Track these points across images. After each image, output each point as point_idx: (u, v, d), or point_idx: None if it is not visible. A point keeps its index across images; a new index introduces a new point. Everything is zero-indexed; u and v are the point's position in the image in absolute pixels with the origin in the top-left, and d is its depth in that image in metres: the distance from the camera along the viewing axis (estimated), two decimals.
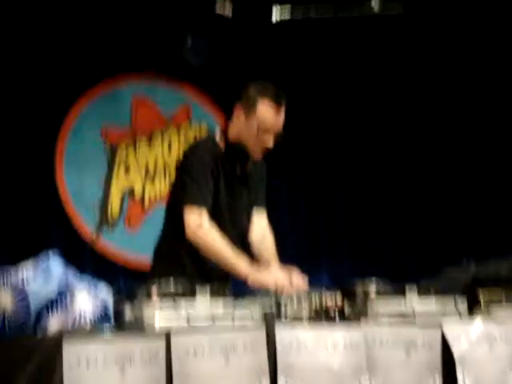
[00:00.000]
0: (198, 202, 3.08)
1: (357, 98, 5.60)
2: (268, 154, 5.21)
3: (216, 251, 3.04)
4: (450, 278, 3.11)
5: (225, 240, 3.06)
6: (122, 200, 4.90)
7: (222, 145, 3.21)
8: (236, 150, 3.15)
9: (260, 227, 3.39)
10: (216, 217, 3.12)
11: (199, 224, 3.04)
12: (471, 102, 5.65)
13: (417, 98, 5.71)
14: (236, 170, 3.21)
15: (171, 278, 2.56)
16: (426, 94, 5.68)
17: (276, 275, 2.94)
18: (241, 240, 3.23)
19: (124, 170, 4.94)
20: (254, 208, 3.37)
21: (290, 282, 2.88)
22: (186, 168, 3.15)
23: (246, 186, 3.30)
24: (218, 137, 3.25)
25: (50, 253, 2.56)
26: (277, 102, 3.08)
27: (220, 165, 3.17)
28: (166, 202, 3.38)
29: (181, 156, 3.29)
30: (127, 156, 4.96)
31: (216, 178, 3.15)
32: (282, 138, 3.16)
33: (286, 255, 5.18)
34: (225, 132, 3.22)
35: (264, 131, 3.10)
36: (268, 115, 3.09)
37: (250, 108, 3.10)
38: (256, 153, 3.18)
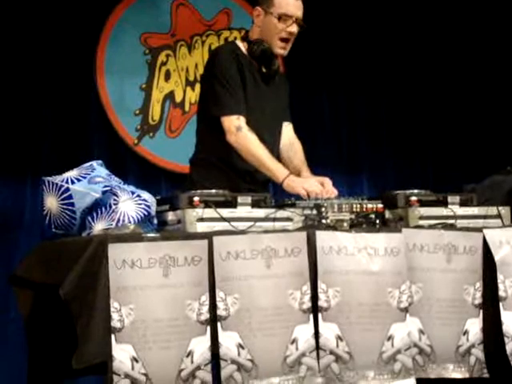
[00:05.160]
0: (233, 110, 3.10)
1: (398, 12, 5.46)
2: (309, 62, 5.21)
3: (255, 154, 3.07)
4: (494, 185, 3.08)
5: (262, 144, 3.09)
6: (163, 105, 4.90)
7: (244, 48, 3.23)
8: (259, 46, 3.17)
9: (287, 135, 3.40)
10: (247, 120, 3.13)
11: (238, 127, 3.08)
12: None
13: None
14: (261, 68, 3.23)
15: (213, 188, 2.60)
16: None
17: (309, 182, 2.97)
18: (271, 143, 3.24)
19: (164, 75, 4.91)
20: (282, 122, 3.38)
21: (322, 191, 2.89)
22: (215, 76, 3.15)
23: (274, 87, 3.30)
24: (238, 42, 3.28)
25: (94, 161, 2.59)
26: None
27: (245, 67, 3.19)
28: (196, 112, 3.38)
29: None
30: (167, 61, 4.93)
31: (243, 80, 3.16)
32: (305, 28, 3.20)
33: (328, 167, 5.20)
34: (246, 36, 3.26)
35: (285, 18, 3.15)
36: (286, 1, 3.15)
37: (268, 2, 3.16)
38: (280, 45, 3.18)
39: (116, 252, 2.22)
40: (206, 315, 2.29)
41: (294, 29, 3.17)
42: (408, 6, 5.49)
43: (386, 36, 5.46)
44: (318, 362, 2.39)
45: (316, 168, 3.37)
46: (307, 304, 2.41)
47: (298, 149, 3.40)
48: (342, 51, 5.33)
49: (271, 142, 3.22)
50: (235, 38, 3.32)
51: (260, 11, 3.19)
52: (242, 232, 2.43)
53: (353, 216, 2.66)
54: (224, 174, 3.18)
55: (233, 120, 3.09)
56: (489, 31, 5.59)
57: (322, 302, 2.42)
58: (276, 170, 3.05)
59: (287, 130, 3.41)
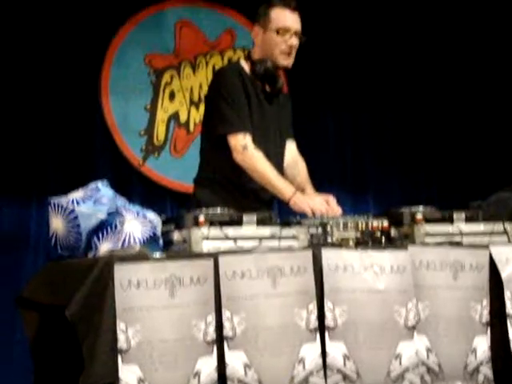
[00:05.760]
0: (240, 128, 3.12)
1: (403, 29, 5.48)
2: (312, 80, 5.23)
3: (262, 173, 3.08)
4: (500, 202, 3.07)
5: (268, 162, 3.10)
6: (168, 126, 4.92)
7: (247, 68, 3.24)
8: (262, 65, 3.19)
9: (291, 153, 3.42)
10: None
11: (244, 146, 3.09)
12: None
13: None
14: (265, 87, 3.24)
15: (218, 207, 2.59)
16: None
17: (315, 201, 2.97)
18: (276, 162, 3.24)
19: (169, 95, 4.94)
20: (286, 140, 3.39)
21: (327, 209, 2.89)
22: (221, 95, 3.16)
23: (277, 106, 3.32)
24: (242, 62, 3.29)
25: (99, 181, 2.59)
26: (288, 5, 3.18)
27: (249, 86, 3.20)
28: (200, 131, 3.39)
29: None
30: (172, 81, 4.96)
31: (248, 99, 3.18)
32: (305, 40, 3.22)
33: (334, 185, 5.20)
34: (248, 56, 3.27)
35: (284, 31, 3.17)
36: (283, 15, 3.18)
37: (265, 19, 3.19)
38: (283, 57, 3.20)
39: (122, 273, 2.22)
40: (212, 335, 2.29)
41: (294, 41, 3.19)
42: (413, 22, 5.51)
43: (390, 53, 5.48)
44: (326, 382, 2.38)
45: (321, 186, 3.39)
46: (314, 323, 2.40)
47: (302, 167, 3.41)
48: (347, 69, 5.35)
49: (275, 161, 3.22)
50: (239, 58, 3.34)
51: (258, 30, 3.23)
52: (248, 251, 2.42)
53: (358, 234, 2.66)
54: (228, 192, 3.18)
55: (239, 138, 3.10)
56: (496, 43, 5.59)
57: (328, 321, 2.41)
58: (283, 188, 3.05)
59: (291, 148, 3.42)
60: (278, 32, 3.17)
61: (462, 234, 2.71)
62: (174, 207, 4.74)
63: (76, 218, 2.41)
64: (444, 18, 5.57)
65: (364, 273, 2.49)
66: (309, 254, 2.45)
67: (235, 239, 2.46)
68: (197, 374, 2.25)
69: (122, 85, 4.79)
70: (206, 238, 2.44)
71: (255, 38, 3.25)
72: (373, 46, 5.42)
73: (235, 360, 2.29)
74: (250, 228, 2.52)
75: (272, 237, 2.51)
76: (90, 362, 2.18)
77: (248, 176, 3.12)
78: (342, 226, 2.65)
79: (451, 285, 2.57)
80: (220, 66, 4.88)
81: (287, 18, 3.19)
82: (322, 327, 2.41)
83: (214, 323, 2.29)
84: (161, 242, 2.50)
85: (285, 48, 3.18)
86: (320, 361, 2.38)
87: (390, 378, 2.44)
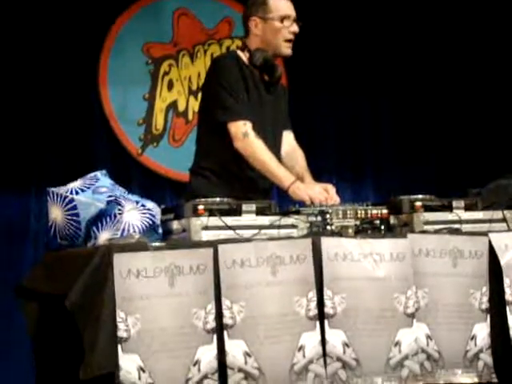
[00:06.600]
0: (240, 116, 3.11)
1: (398, 9, 5.46)
2: (311, 68, 5.22)
3: (262, 161, 3.07)
4: (499, 189, 3.08)
5: (268, 150, 3.09)
6: (166, 115, 4.91)
7: (245, 58, 3.24)
8: (261, 54, 3.19)
9: (289, 143, 3.42)
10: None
11: (245, 133, 3.08)
12: None
13: None
14: (263, 76, 3.24)
15: (217, 197, 2.59)
16: None
17: (314, 189, 2.97)
18: (273, 151, 3.21)
19: (167, 84, 4.93)
20: (283, 131, 3.40)
21: (326, 198, 2.89)
22: (219, 83, 3.15)
23: (275, 96, 3.32)
24: (239, 52, 3.29)
25: (98, 171, 2.59)
26: None
27: (247, 75, 3.20)
28: (198, 120, 3.38)
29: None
30: (170, 71, 4.95)
31: (246, 88, 3.18)
32: (301, 26, 3.25)
33: (331, 171, 5.21)
34: (244, 47, 3.27)
35: (285, 19, 3.21)
36: (282, 3, 3.23)
37: (264, 9, 3.21)
38: (287, 45, 3.22)
39: (121, 262, 2.22)
40: (212, 324, 2.29)
41: (296, 28, 3.22)
42: (414, 14, 5.50)
43: (388, 39, 5.47)
44: (326, 369, 2.38)
45: (320, 175, 3.41)
46: (313, 311, 2.40)
47: (300, 156, 3.40)
48: (344, 57, 5.33)
49: (273, 150, 3.22)
50: (237, 46, 3.35)
51: (257, 20, 3.22)
52: (247, 240, 2.43)
53: (358, 222, 2.66)
54: (225, 182, 3.18)
55: (240, 126, 3.09)
56: (493, 36, 5.59)
57: (328, 309, 2.41)
58: (283, 176, 3.05)
59: (289, 138, 3.42)
60: (281, 20, 3.19)
61: (461, 221, 2.71)
62: (173, 196, 4.74)
63: (75, 207, 2.41)
64: (441, 7, 5.55)
65: (363, 261, 2.49)
66: (308, 242, 2.45)
67: (234, 228, 2.46)
68: (197, 363, 2.26)
69: (120, 74, 4.79)
70: (206, 227, 2.44)
71: (254, 29, 3.23)
72: (370, 31, 5.40)
73: (235, 348, 2.30)
74: (249, 217, 2.52)
75: (271, 226, 2.52)
76: (90, 352, 2.18)
77: (247, 164, 3.12)
78: (341, 214, 2.65)
79: (451, 272, 2.58)
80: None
81: (287, 6, 3.23)
82: (321, 315, 2.41)
83: (213, 312, 2.30)
84: (160, 231, 2.51)
85: (289, 35, 3.21)
86: (320, 349, 2.39)
87: (390, 365, 2.44)
